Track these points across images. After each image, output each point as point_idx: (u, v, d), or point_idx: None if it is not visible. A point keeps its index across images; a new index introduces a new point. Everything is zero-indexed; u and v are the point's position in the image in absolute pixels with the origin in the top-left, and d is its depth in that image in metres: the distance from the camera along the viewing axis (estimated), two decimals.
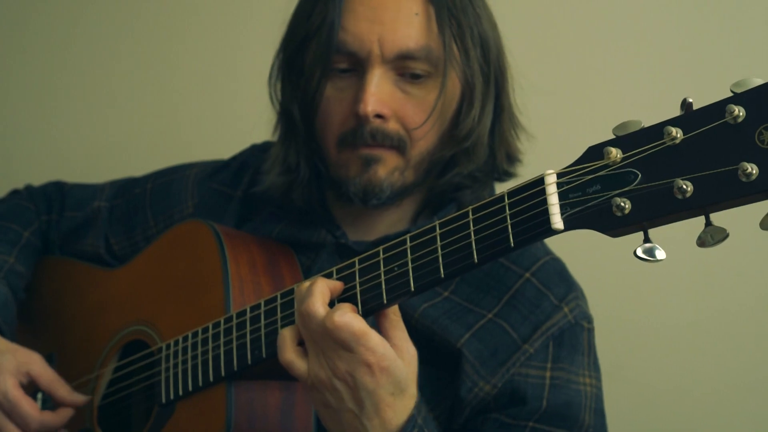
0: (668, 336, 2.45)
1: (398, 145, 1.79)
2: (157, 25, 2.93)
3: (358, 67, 1.78)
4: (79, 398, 1.92)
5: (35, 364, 1.90)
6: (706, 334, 2.43)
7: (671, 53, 2.46)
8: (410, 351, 1.50)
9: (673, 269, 2.28)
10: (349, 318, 1.44)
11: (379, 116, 1.76)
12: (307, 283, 1.51)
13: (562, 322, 1.80)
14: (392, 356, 1.47)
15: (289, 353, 1.53)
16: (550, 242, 1.87)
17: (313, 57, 1.81)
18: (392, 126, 1.77)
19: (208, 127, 2.85)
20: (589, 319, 1.85)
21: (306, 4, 1.86)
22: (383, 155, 1.79)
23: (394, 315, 1.50)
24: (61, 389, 1.91)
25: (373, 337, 1.45)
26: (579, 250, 1.97)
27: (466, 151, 1.83)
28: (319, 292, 1.48)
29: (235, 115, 2.72)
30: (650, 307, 2.47)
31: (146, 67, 2.92)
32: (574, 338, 1.82)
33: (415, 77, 1.77)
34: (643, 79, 2.47)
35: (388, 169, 1.79)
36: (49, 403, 1.96)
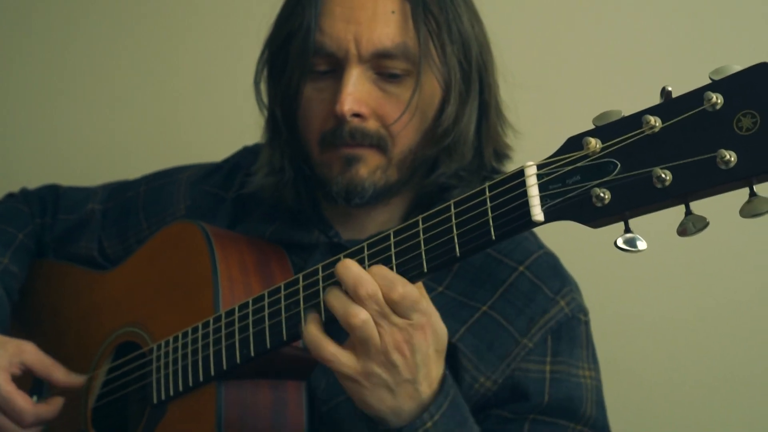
0: (660, 327, 2.44)
1: (378, 144, 1.78)
2: (156, 27, 2.93)
3: (337, 67, 1.77)
4: (77, 379, 1.92)
5: (27, 353, 1.89)
6: (697, 324, 2.41)
7: (656, 42, 2.46)
8: (437, 312, 1.49)
9: (659, 260, 2.29)
10: (409, 287, 1.44)
11: (357, 115, 1.75)
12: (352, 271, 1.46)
13: (559, 316, 1.79)
14: (437, 316, 1.48)
15: (331, 347, 1.48)
16: (542, 235, 1.86)
17: (292, 59, 1.80)
18: (371, 125, 1.77)
19: (206, 129, 2.85)
20: (585, 312, 1.85)
21: (287, 6, 1.86)
22: (364, 154, 1.78)
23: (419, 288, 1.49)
24: (58, 372, 1.91)
25: (423, 300, 1.46)
26: (570, 242, 1.95)
27: (448, 150, 1.82)
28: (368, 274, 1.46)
29: (233, 116, 2.71)
30: (640, 298, 2.46)
31: (145, 69, 2.92)
32: (572, 331, 1.81)
33: (393, 77, 1.76)
34: (628, 69, 2.46)
35: (369, 168, 1.79)
36: (43, 397, 1.95)
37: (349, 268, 1.45)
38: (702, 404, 2.41)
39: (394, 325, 1.44)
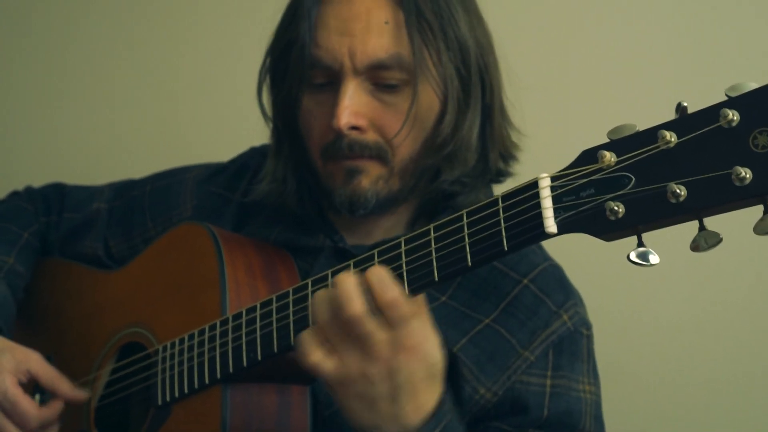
0: (664, 337, 2.45)
1: (378, 155, 1.78)
2: (157, 27, 2.92)
3: (334, 80, 1.76)
4: (81, 394, 1.91)
5: (34, 362, 1.89)
6: (701, 335, 2.42)
7: (670, 55, 2.46)
8: (435, 338, 1.45)
9: (668, 272, 2.28)
10: (405, 298, 1.41)
11: (355, 128, 1.75)
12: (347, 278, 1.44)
13: (561, 330, 1.79)
14: (433, 341, 1.44)
15: (316, 354, 1.45)
16: (547, 245, 1.86)
17: (290, 70, 1.80)
18: (370, 136, 1.77)
19: (208, 129, 2.84)
20: (588, 326, 1.84)
21: (285, 16, 1.86)
22: (365, 166, 1.78)
23: (418, 306, 1.46)
24: (63, 386, 1.90)
25: (417, 319, 1.42)
26: (576, 253, 1.96)
27: (448, 158, 1.81)
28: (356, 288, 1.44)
29: (236, 117, 2.72)
30: (646, 309, 2.46)
31: (147, 69, 2.92)
32: (574, 345, 1.81)
33: (390, 87, 1.76)
34: (636, 70, 2.46)
35: (371, 178, 1.79)
36: (45, 396, 1.95)
37: (343, 283, 1.43)
38: (706, 407, 2.42)
39: (379, 341, 1.41)
